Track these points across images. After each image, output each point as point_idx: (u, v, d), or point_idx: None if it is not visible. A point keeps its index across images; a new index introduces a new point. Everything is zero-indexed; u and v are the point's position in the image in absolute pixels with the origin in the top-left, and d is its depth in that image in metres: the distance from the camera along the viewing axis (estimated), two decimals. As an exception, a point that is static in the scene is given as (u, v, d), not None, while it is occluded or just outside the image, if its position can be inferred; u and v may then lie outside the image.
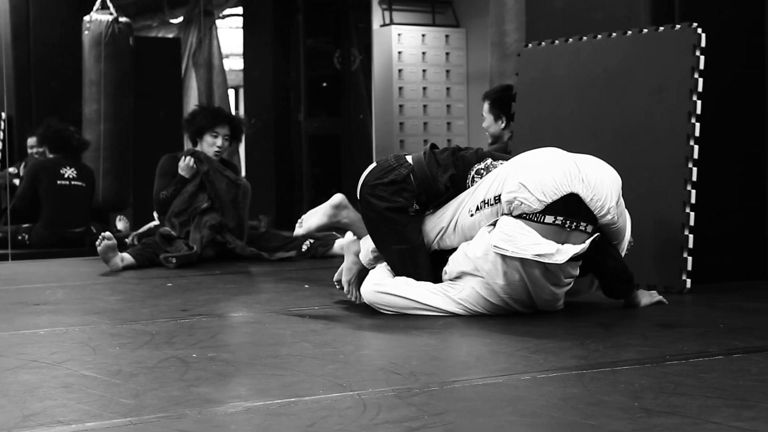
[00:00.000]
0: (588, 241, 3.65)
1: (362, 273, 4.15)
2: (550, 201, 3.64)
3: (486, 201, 3.77)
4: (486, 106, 5.96)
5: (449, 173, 3.92)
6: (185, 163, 6.40)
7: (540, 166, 3.72)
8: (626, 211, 3.93)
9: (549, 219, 3.65)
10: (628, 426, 2.17)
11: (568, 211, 3.65)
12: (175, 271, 5.82)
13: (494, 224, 3.74)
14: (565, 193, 3.65)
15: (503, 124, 5.87)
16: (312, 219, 4.27)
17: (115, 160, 8.67)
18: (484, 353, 3.18)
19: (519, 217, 3.67)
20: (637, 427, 2.16)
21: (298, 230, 4.32)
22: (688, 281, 4.47)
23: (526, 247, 3.59)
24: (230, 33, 12.43)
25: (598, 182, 3.72)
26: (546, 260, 3.58)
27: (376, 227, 3.98)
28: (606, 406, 2.35)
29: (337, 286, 4.32)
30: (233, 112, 12.00)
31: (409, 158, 4.02)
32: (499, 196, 3.72)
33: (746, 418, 2.21)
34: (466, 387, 2.59)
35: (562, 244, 3.63)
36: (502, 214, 3.72)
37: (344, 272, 4.21)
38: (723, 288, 4.58)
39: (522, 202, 3.64)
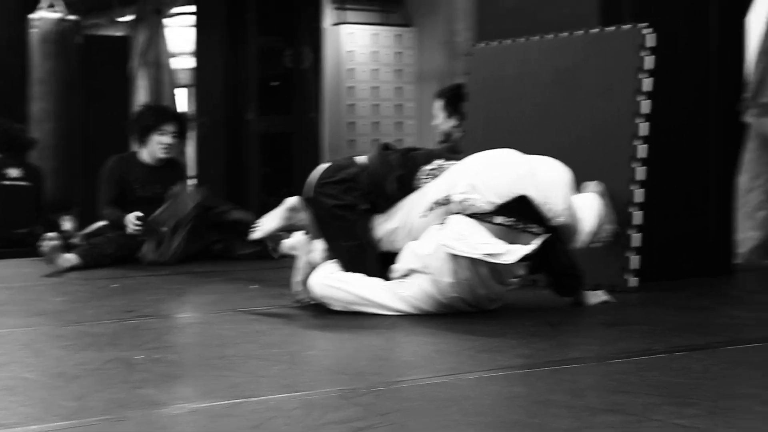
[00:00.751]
0: (537, 242, 3.67)
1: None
2: (501, 203, 3.65)
3: (439, 201, 3.78)
4: (439, 104, 5.97)
5: (397, 173, 3.93)
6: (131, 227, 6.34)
7: (492, 167, 3.75)
8: (589, 204, 3.97)
9: (499, 220, 3.66)
10: (572, 424, 2.18)
11: (519, 213, 3.67)
12: (121, 272, 5.77)
13: (444, 222, 3.75)
14: (515, 196, 3.67)
15: (454, 123, 5.87)
16: (269, 222, 4.27)
17: (62, 160, 8.58)
18: (430, 353, 3.18)
19: (470, 216, 3.68)
20: (581, 425, 2.17)
21: (256, 234, 4.30)
22: (634, 279, 4.51)
23: (475, 246, 3.60)
24: (180, 31, 12.34)
25: (551, 186, 3.75)
26: (495, 260, 3.60)
27: (326, 224, 3.99)
28: (551, 405, 2.36)
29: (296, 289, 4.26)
30: (182, 110, 11.92)
31: (358, 159, 4.03)
32: (450, 196, 3.73)
33: (688, 415, 2.23)
34: (412, 387, 2.59)
35: (512, 243, 3.64)
36: (453, 214, 3.72)
37: (296, 272, 4.20)
38: (668, 286, 4.62)
39: (473, 203, 3.66)
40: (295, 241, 4.29)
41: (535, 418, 2.24)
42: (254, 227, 4.34)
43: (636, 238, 4.50)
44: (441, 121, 5.91)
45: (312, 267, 4.12)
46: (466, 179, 3.72)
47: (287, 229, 4.36)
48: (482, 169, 3.74)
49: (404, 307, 3.77)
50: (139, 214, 6.30)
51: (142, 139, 6.54)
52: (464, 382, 2.64)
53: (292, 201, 4.21)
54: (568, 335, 3.40)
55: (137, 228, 6.26)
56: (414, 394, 2.50)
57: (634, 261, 4.50)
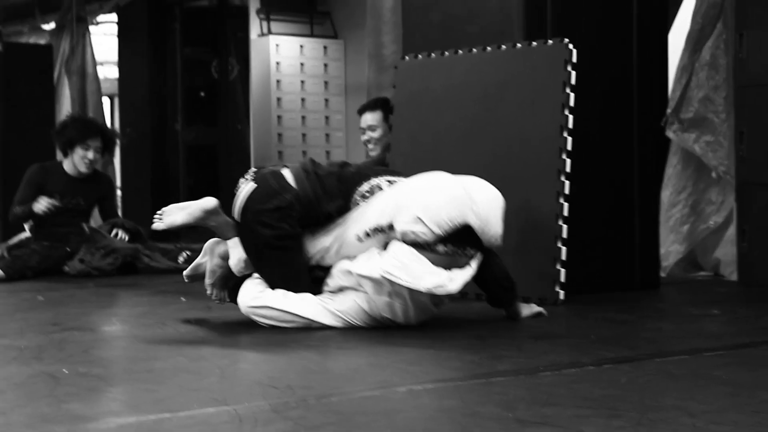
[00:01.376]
0: (475, 265, 3.71)
1: (227, 275, 4.10)
2: (444, 234, 3.67)
3: (378, 228, 3.77)
4: (377, 116, 5.94)
5: (337, 204, 3.90)
6: (44, 207, 6.27)
7: (433, 197, 3.75)
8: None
9: (440, 248, 3.69)
10: (501, 437, 2.20)
11: (458, 239, 3.69)
12: (47, 284, 5.69)
13: (385, 248, 3.75)
14: (458, 226, 3.69)
15: (387, 130, 5.89)
16: (176, 216, 4.14)
17: (-18, 170, 8.42)
18: (362, 366, 3.18)
19: (410, 244, 3.69)
20: (511, 438, 2.19)
21: (158, 224, 4.19)
22: (561, 292, 4.56)
23: (420, 276, 3.62)
24: (105, 40, 12.20)
25: (489, 211, 3.78)
26: (440, 291, 3.61)
27: (260, 253, 3.92)
28: (480, 417, 2.37)
29: (208, 291, 4.21)
30: (107, 121, 11.78)
31: (290, 178, 3.94)
32: (392, 224, 3.73)
33: (615, 427, 2.26)
34: (343, 400, 2.58)
35: (451, 267, 3.67)
36: (394, 240, 3.73)
37: (208, 274, 4.15)
38: (594, 299, 4.68)
39: (417, 235, 3.67)
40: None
41: (464, 431, 2.26)
42: (158, 216, 4.18)
43: (563, 252, 4.55)
44: (383, 132, 5.88)
45: (223, 271, 4.08)
46: (410, 210, 3.71)
47: (193, 227, 4.27)
48: (423, 200, 3.75)
49: (335, 322, 3.77)
50: (54, 201, 6.24)
51: (66, 151, 6.45)
52: (395, 395, 2.65)
53: (211, 203, 4.12)
54: (498, 348, 3.42)
55: (48, 208, 6.19)
56: (345, 408, 2.50)
57: (561, 274, 4.55)
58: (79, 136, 6.40)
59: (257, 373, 3.02)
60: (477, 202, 3.77)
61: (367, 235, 3.79)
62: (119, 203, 10.24)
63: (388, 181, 3.96)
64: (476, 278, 3.88)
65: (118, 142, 6.91)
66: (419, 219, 3.68)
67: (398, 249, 3.69)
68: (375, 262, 3.71)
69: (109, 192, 6.80)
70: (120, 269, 6.26)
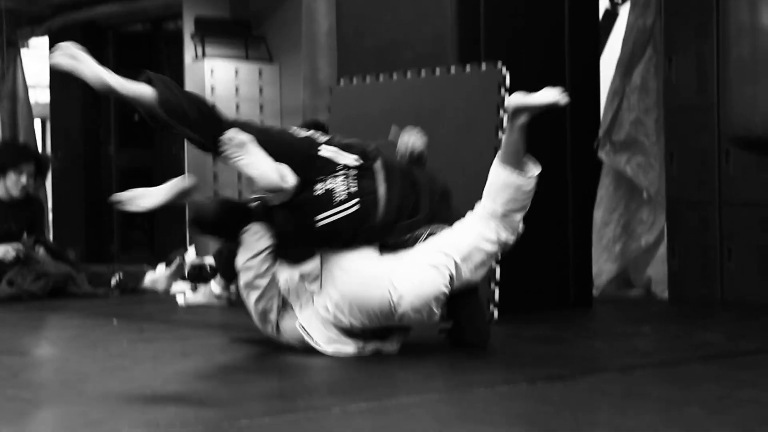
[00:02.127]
0: (396, 346, 3.62)
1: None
2: (361, 325, 3.57)
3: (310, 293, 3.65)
4: None
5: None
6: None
7: (358, 292, 3.54)
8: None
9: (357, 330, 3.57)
10: (435, 454, 2.20)
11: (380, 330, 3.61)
12: (-24, 309, 5.59)
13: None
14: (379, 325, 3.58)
15: None
16: (153, 197, 3.98)
17: None
18: (293, 386, 3.16)
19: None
20: (444, 455, 2.20)
21: (132, 207, 3.94)
22: (495, 311, 4.58)
23: (325, 341, 3.56)
24: (36, 63, 12.08)
25: (414, 294, 3.52)
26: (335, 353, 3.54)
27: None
28: (414, 436, 2.38)
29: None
30: (39, 144, 11.64)
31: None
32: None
33: (548, 443, 2.27)
34: (276, 421, 2.57)
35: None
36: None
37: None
38: (528, 318, 4.72)
39: (339, 321, 3.57)
40: (157, 275, 4.20)
41: (399, 449, 2.26)
42: (131, 199, 3.93)
43: (497, 271, 4.57)
44: None
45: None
46: (334, 297, 3.56)
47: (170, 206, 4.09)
48: (347, 291, 3.54)
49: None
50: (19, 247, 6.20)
51: None
52: (326, 417, 2.64)
53: (186, 182, 3.92)
54: (431, 367, 3.43)
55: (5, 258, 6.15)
56: (278, 430, 2.49)
57: (495, 293, 4.57)
58: (12, 161, 6.33)
59: (190, 395, 2.99)
60: (403, 306, 3.48)
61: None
62: (50, 227, 10.12)
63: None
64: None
65: (50, 166, 6.85)
66: (340, 309, 3.53)
67: (314, 312, 3.61)
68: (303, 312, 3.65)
69: (39, 215, 6.73)
70: (50, 293, 6.18)
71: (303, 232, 3.58)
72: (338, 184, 3.53)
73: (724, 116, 5.12)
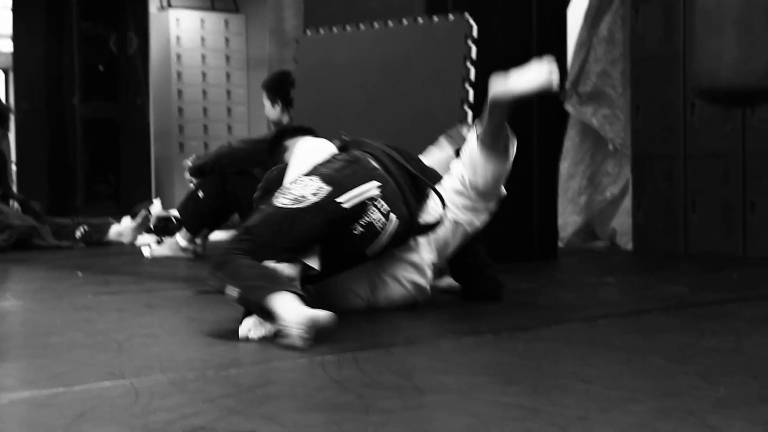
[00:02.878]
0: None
1: None
2: None
3: None
4: (264, 93, 5.98)
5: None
6: None
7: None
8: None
9: None
10: (399, 404, 2.21)
11: None
12: (-61, 261, 5.55)
13: None
14: None
15: (280, 108, 5.89)
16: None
17: None
18: (261, 339, 3.16)
19: None
20: (408, 405, 2.20)
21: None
22: (462, 264, 4.59)
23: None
24: (-1, 13, 11.91)
25: None
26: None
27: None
28: (378, 387, 2.38)
29: None
30: (2, 95, 11.51)
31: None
32: None
33: (512, 393, 2.29)
34: (242, 373, 2.57)
35: None
36: None
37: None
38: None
39: None
40: (123, 227, 4.19)
41: (362, 400, 2.26)
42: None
43: (463, 223, 4.58)
44: (267, 109, 5.92)
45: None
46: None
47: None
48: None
49: None
50: None
51: None
52: (294, 366, 2.64)
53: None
54: (397, 318, 3.44)
55: None
56: (244, 380, 2.49)
57: (461, 246, 4.58)
58: None
59: (155, 346, 2.98)
60: None
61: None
62: (14, 179, 10.02)
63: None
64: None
65: (12, 116, 6.78)
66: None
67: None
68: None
69: (2, 167, 6.67)
70: (14, 245, 6.15)
71: (355, 261, 3.50)
72: (373, 214, 3.35)
73: (690, 69, 5.13)
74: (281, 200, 3.26)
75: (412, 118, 4.82)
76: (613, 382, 2.39)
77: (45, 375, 2.57)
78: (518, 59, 5.14)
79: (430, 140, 4.74)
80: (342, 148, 3.57)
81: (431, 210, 3.55)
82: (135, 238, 6.27)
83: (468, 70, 4.65)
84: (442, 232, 3.56)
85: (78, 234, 6.35)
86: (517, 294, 4.07)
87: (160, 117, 9.38)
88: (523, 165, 5.17)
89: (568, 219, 6.11)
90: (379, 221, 3.35)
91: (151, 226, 6.39)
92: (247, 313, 3.05)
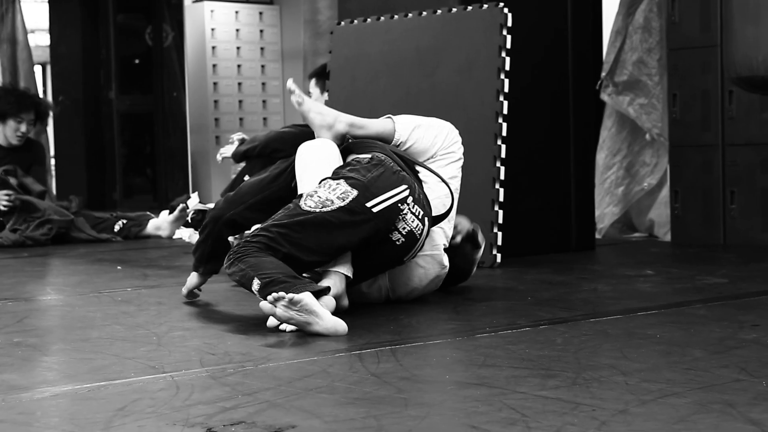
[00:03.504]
0: None
1: None
2: None
3: None
4: (311, 83, 5.97)
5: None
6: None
7: None
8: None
9: None
10: (438, 398, 2.21)
11: None
12: (-20, 255, 5.61)
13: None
14: None
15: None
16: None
17: None
18: (299, 333, 3.17)
19: None
20: (447, 399, 2.21)
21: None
22: (498, 255, 4.59)
23: None
24: (35, 7, 12.00)
25: None
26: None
27: None
28: (417, 380, 2.39)
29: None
30: (40, 89, 11.60)
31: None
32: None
33: (550, 387, 2.28)
34: (281, 366, 2.58)
35: None
36: None
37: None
38: (531, 261, 4.73)
39: None
40: (161, 221, 4.21)
41: (401, 394, 2.27)
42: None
43: (499, 215, 4.58)
44: (316, 97, 5.90)
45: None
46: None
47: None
48: None
49: None
50: (9, 192, 6.21)
51: None
52: (333, 361, 2.65)
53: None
54: (435, 311, 3.44)
55: (7, 204, 6.16)
56: (282, 373, 2.50)
57: (498, 237, 4.58)
58: (13, 109, 6.32)
59: (194, 339, 3.00)
60: None
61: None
62: (53, 172, 10.12)
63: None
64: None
65: (51, 113, 6.83)
66: None
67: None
68: None
69: (40, 159, 6.73)
70: (54, 239, 6.20)
71: (390, 267, 3.51)
72: (410, 220, 3.33)
73: (727, 56, 5.08)
74: (307, 203, 3.24)
75: (445, 109, 4.81)
76: (652, 375, 2.38)
77: (86, 369, 2.60)
78: (553, 48, 5.14)
79: (464, 131, 4.73)
80: (345, 150, 3.54)
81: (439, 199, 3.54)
82: (173, 232, 6.31)
83: (503, 60, 4.64)
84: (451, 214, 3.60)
85: (116, 228, 6.40)
86: (555, 286, 4.06)
87: (196, 110, 9.41)
88: (560, 156, 5.16)
89: (606, 210, 6.08)
90: (417, 228, 3.34)
91: (189, 220, 6.42)
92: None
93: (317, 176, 3.36)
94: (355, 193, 3.23)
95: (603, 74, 5.97)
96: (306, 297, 2.91)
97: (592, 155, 5.56)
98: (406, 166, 3.45)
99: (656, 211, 5.98)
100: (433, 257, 3.56)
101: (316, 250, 3.20)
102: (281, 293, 2.91)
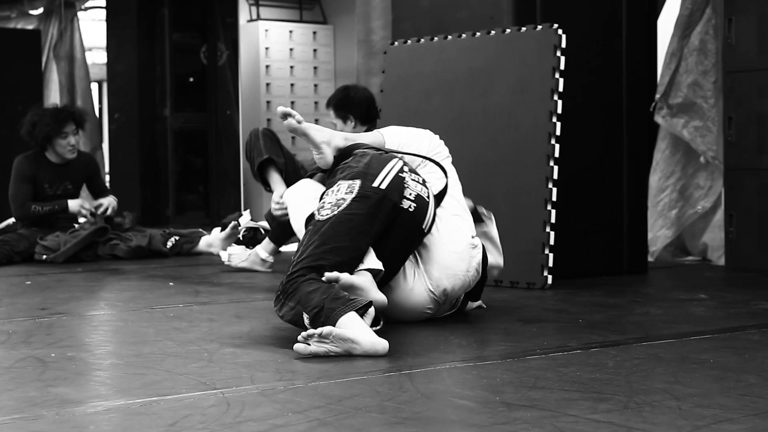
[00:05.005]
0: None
1: None
2: None
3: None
4: (331, 112, 6.00)
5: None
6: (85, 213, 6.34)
7: None
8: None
9: None
10: (488, 420, 2.20)
11: None
12: (35, 269, 5.68)
13: None
14: None
15: (353, 124, 5.92)
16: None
17: (-29, 155, 8.41)
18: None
19: None
20: (497, 420, 2.20)
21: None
22: (550, 277, 4.57)
23: None
24: (93, 26, 12.18)
25: None
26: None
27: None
28: (468, 401, 2.38)
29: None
30: (96, 106, 11.75)
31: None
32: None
33: (602, 410, 2.26)
34: (331, 384, 2.59)
35: None
36: None
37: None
38: (582, 284, 4.70)
39: None
40: (212, 238, 4.23)
41: (451, 415, 2.26)
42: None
43: (551, 237, 4.56)
44: (341, 127, 5.93)
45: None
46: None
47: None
48: None
49: None
50: (87, 205, 6.31)
51: (44, 146, 6.44)
52: (383, 380, 2.65)
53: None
54: (486, 332, 3.43)
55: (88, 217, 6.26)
56: (332, 392, 2.50)
57: (549, 259, 4.56)
58: (54, 129, 6.38)
59: (245, 357, 3.02)
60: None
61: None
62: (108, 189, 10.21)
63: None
64: None
65: (87, 119, 6.91)
66: None
67: None
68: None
69: (94, 170, 6.79)
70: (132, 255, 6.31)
71: (414, 242, 3.54)
72: (414, 186, 3.43)
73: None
74: (322, 213, 3.31)
75: (498, 129, 4.80)
76: (705, 401, 2.36)
77: (138, 384, 2.62)
78: (608, 69, 5.12)
79: (516, 152, 4.72)
80: (338, 158, 3.61)
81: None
82: (224, 249, 6.35)
83: (557, 81, 4.62)
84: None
85: (169, 244, 6.45)
86: (606, 309, 4.03)
87: (249, 128, 9.47)
88: (613, 178, 5.13)
89: (659, 233, 6.03)
90: (423, 192, 3.45)
91: (240, 237, 6.46)
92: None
93: (310, 207, 3.48)
94: (358, 182, 3.35)
95: (657, 96, 5.93)
96: (334, 330, 2.93)
97: (646, 177, 5.51)
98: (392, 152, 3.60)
99: (710, 234, 5.92)
100: (459, 239, 3.58)
101: (355, 246, 3.26)
102: (310, 331, 2.94)
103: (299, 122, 3.52)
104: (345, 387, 2.56)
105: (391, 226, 3.39)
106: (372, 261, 3.33)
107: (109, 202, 6.53)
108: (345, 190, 3.33)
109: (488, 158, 4.79)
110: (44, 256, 6.07)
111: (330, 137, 3.62)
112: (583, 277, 4.89)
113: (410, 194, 3.40)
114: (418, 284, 3.56)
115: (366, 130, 5.66)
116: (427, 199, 3.45)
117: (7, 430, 2.14)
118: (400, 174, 3.40)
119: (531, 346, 3.12)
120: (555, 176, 4.58)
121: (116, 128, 10.77)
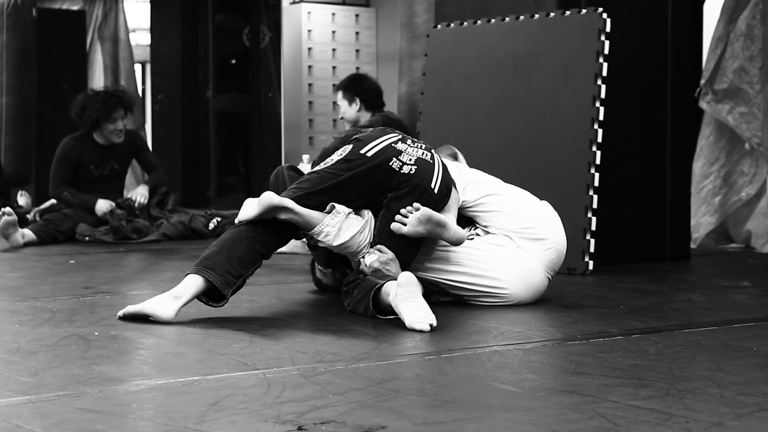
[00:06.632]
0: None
1: None
2: None
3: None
4: (339, 95, 5.99)
5: None
6: (105, 212, 6.35)
7: None
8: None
9: None
10: (528, 404, 2.20)
11: None
12: (78, 248, 5.73)
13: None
14: None
15: (357, 107, 5.90)
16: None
17: (17, 135, 8.48)
18: (389, 333, 3.19)
19: None
20: (537, 405, 2.19)
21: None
22: (591, 263, 4.55)
23: None
24: (137, 7, 12.23)
25: None
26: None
27: None
28: (508, 385, 2.38)
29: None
30: (139, 87, 11.81)
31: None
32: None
33: (643, 396, 2.25)
34: (371, 366, 2.60)
35: None
36: None
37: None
38: (624, 270, 4.67)
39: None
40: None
41: (493, 399, 2.26)
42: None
43: (593, 222, 4.53)
44: (345, 109, 5.93)
45: None
46: None
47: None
48: None
49: None
50: (111, 205, 6.33)
51: (93, 129, 6.49)
52: (423, 363, 2.65)
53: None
54: (525, 317, 3.42)
55: (107, 212, 6.30)
56: (372, 374, 2.51)
57: (591, 245, 4.54)
58: (104, 114, 6.41)
59: (286, 338, 3.03)
60: None
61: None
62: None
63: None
64: None
65: (135, 102, 6.95)
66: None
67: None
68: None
69: (141, 145, 6.83)
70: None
71: (421, 197, 3.54)
72: (413, 152, 3.53)
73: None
74: (316, 168, 3.63)
75: (540, 114, 4.78)
76: (747, 388, 2.34)
77: (180, 363, 2.64)
78: (652, 54, 5.08)
79: (559, 137, 4.70)
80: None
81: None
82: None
83: (600, 65, 4.59)
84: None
85: (211, 226, 6.48)
86: (648, 295, 4.01)
87: (291, 111, 9.49)
88: (656, 164, 5.09)
89: (702, 220, 5.98)
90: (426, 156, 3.53)
91: (281, 219, 6.48)
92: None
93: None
94: (350, 147, 3.58)
95: (702, 82, 5.88)
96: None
97: (689, 163, 5.47)
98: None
99: (754, 222, 5.86)
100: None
101: (322, 200, 3.49)
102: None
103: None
104: (385, 369, 2.56)
105: (396, 188, 3.50)
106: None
107: (139, 193, 6.53)
108: (339, 153, 3.58)
109: (530, 143, 4.77)
110: (86, 237, 6.13)
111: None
112: (624, 263, 4.87)
113: (409, 159, 3.51)
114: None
115: (371, 116, 5.69)
116: (431, 161, 3.53)
117: (52, 407, 2.17)
118: (394, 144, 3.54)
119: (572, 331, 3.11)
120: (597, 161, 4.55)
121: (159, 109, 10.82)
